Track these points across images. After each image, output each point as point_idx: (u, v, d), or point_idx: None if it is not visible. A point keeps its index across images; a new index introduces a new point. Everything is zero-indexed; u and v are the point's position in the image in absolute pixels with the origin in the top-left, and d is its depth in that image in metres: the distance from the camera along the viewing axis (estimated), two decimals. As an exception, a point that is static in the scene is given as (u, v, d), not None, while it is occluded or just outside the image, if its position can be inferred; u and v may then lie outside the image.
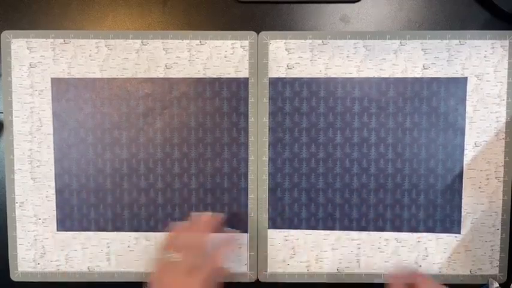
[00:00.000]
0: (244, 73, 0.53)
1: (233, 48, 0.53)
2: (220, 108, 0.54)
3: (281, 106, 0.53)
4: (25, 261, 0.55)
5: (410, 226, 0.54)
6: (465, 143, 0.53)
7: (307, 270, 0.55)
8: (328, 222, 0.54)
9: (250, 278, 0.55)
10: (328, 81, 0.53)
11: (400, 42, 0.53)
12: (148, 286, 0.45)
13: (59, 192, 0.55)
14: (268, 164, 0.54)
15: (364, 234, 0.54)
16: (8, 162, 0.54)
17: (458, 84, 0.52)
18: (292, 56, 0.53)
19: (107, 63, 0.54)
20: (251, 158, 0.54)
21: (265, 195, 0.54)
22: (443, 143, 0.53)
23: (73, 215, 0.55)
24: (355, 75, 0.53)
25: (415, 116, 0.53)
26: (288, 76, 0.53)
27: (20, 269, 0.55)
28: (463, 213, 0.53)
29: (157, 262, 0.46)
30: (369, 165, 0.53)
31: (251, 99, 0.54)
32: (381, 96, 0.53)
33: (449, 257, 0.54)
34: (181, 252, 0.46)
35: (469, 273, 0.54)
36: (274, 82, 0.53)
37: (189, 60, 0.53)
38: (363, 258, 0.54)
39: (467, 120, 0.53)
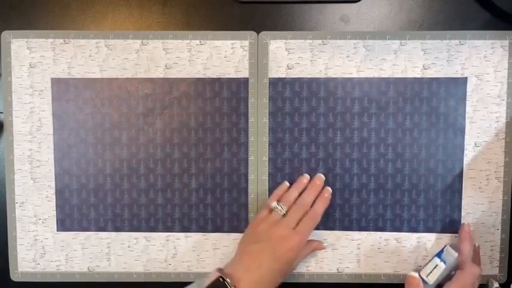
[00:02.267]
0: (244, 73, 0.53)
1: (233, 48, 0.53)
2: (220, 108, 0.54)
3: (281, 106, 0.53)
4: (25, 262, 0.55)
5: (410, 226, 0.54)
6: (465, 143, 0.53)
7: (307, 270, 0.55)
8: (328, 222, 0.54)
9: (250, 278, 0.55)
10: (328, 82, 0.53)
11: (400, 43, 0.53)
12: (247, 229, 0.50)
13: (59, 192, 0.55)
14: (268, 164, 0.54)
15: (364, 234, 0.54)
16: (8, 162, 0.54)
17: (458, 84, 0.52)
18: (292, 56, 0.53)
19: (107, 63, 0.54)
20: (251, 158, 0.54)
21: (265, 195, 0.54)
22: (443, 143, 0.53)
23: (73, 215, 0.55)
24: (355, 75, 0.53)
25: (415, 116, 0.53)
26: (288, 76, 0.53)
27: (20, 269, 0.55)
28: (463, 213, 0.53)
29: (264, 209, 0.51)
30: (369, 165, 0.53)
31: (251, 100, 0.54)
32: (381, 97, 0.53)
33: (449, 257, 0.54)
34: (286, 206, 0.50)
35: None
36: (274, 82, 0.53)
37: (189, 61, 0.53)
38: (362, 258, 0.54)
39: (467, 121, 0.53)
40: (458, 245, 0.50)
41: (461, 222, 0.53)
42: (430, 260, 0.50)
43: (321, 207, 0.51)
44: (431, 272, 0.49)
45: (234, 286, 0.45)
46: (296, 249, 0.48)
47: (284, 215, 0.49)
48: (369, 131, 0.53)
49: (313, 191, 0.51)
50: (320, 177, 0.53)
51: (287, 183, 0.53)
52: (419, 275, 0.48)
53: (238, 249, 0.50)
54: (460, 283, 0.47)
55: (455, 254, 0.49)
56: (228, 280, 0.45)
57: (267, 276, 0.46)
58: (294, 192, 0.51)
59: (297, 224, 0.49)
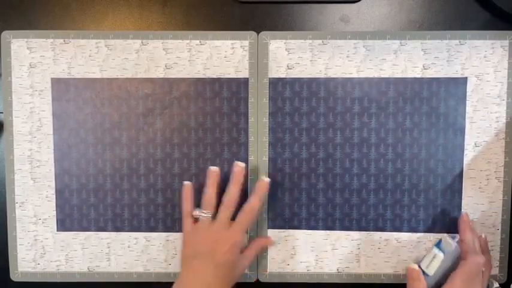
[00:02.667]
0: (244, 73, 0.53)
1: (233, 48, 0.53)
2: (220, 108, 0.54)
3: (281, 106, 0.53)
4: (25, 262, 0.55)
5: (410, 226, 0.54)
6: (465, 143, 0.53)
7: (307, 270, 0.55)
8: (328, 222, 0.54)
9: (250, 278, 0.55)
10: (328, 82, 0.53)
11: (400, 43, 0.53)
12: (182, 245, 0.48)
13: (59, 192, 0.55)
14: (268, 164, 0.54)
15: (364, 234, 0.54)
16: (8, 162, 0.54)
17: (458, 84, 0.52)
18: (292, 56, 0.53)
19: (107, 63, 0.54)
20: (251, 158, 0.54)
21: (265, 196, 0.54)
22: (443, 143, 0.53)
23: (73, 215, 0.55)
24: (355, 75, 0.53)
25: (415, 116, 0.53)
26: (288, 76, 0.53)
27: (20, 269, 0.55)
28: (463, 213, 0.53)
29: (186, 220, 0.49)
30: (369, 165, 0.53)
31: (251, 100, 0.54)
32: (381, 97, 0.53)
33: (449, 257, 0.54)
34: (209, 209, 0.48)
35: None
36: (274, 82, 0.53)
37: (189, 61, 0.53)
38: (362, 258, 0.54)
39: (467, 121, 0.53)
40: (459, 235, 0.50)
41: (461, 212, 0.53)
42: (428, 252, 0.50)
43: (256, 199, 0.49)
44: (430, 262, 0.49)
45: None
46: (233, 249, 0.46)
47: (213, 218, 0.47)
48: (369, 131, 0.53)
49: (235, 181, 0.49)
50: (238, 165, 0.50)
51: (189, 184, 0.51)
52: (419, 267, 0.48)
53: (181, 267, 0.48)
54: (463, 273, 0.46)
55: (454, 243, 0.49)
56: None
57: (215, 285, 0.45)
58: (210, 191, 0.49)
59: (229, 221, 0.47)
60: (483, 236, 0.52)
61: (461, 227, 0.50)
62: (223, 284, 0.46)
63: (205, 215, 0.48)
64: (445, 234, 0.51)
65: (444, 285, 0.47)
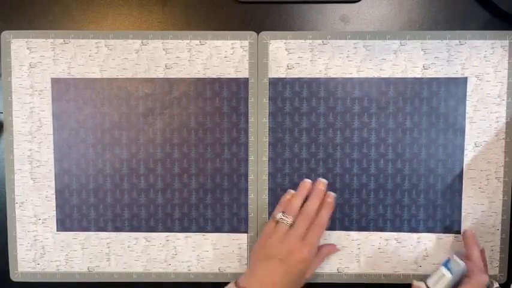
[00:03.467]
0: (244, 73, 0.53)
1: (233, 48, 0.53)
2: (220, 108, 0.54)
3: (281, 106, 0.53)
4: (25, 262, 0.55)
5: (410, 226, 0.54)
6: (465, 143, 0.53)
7: (307, 270, 0.55)
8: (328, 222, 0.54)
9: (250, 278, 0.55)
10: (328, 82, 0.53)
11: (400, 42, 0.53)
12: (258, 243, 0.50)
13: (58, 192, 0.55)
14: (268, 164, 0.54)
15: (364, 234, 0.54)
16: (8, 162, 0.54)
17: (458, 84, 0.52)
18: (292, 56, 0.53)
19: (107, 63, 0.54)
20: (251, 158, 0.54)
21: (265, 196, 0.54)
22: (443, 143, 0.53)
23: (73, 215, 0.55)
24: (355, 75, 0.53)
25: (415, 116, 0.53)
26: (288, 76, 0.53)
27: (19, 269, 0.55)
28: (463, 213, 0.53)
29: (271, 222, 0.50)
30: (369, 165, 0.53)
31: (251, 100, 0.54)
32: (381, 97, 0.53)
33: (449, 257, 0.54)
34: (293, 217, 0.49)
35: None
36: (274, 82, 0.53)
37: (189, 61, 0.53)
38: (362, 258, 0.54)
39: (467, 121, 0.53)
40: (465, 252, 0.50)
41: (462, 229, 0.53)
42: (436, 270, 0.49)
43: (326, 214, 0.50)
44: (437, 282, 0.48)
45: None
46: (307, 261, 0.48)
47: (291, 225, 0.49)
48: (369, 131, 0.53)
49: (317, 197, 0.51)
50: (322, 182, 0.52)
51: (292, 192, 0.52)
52: (426, 285, 0.48)
53: (251, 263, 0.50)
54: None
55: (462, 264, 0.48)
56: None
57: None
58: (297, 200, 0.51)
59: (305, 233, 0.48)
60: (481, 247, 0.52)
61: (468, 242, 0.51)
62: None
63: (287, 221, 0.49)
64: (454, 255, 0.49)
65: None
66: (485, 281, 0.47)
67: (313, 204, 0.50)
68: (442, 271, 0.48)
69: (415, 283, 0.48)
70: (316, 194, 0.51)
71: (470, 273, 0.47)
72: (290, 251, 0.47)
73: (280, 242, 0.48)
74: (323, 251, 0.53)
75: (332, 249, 0.54)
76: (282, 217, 0.49)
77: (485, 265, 0.51)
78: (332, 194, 0.52)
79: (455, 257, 0.49)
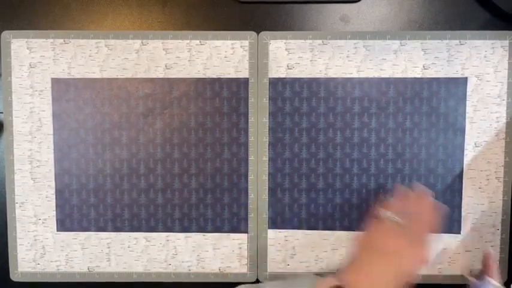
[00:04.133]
0: (244, 73, 0.53)
1: (233, 48, 0.53)
2: (220, 108, 0.54)
3: (281, 106, 0.53)
4: (25, 262, 0.55)
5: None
6: (465, 143, 0.53)
7: (307, 270, 0.55)
8: (328, 222, 0.54)
9: (250, 278, 0.55)
10: (328, 82, 0.53)
11: (400, 43, 0.53)
12: (358, 240, 0.46)
13: (59, 192, 0.55)
14: (268, 164, 0.54)
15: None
16: (8, 162, 0.54)
17: (458, 85, 0.52)
18: (292, 56, 0.53)
19: (107, 63, 0.54)
20: (251, 158, 0.54)
21: (265, 196, 0.54)
22: (444, 143, 0.53)
23: (73, 215, 0.55)
24: (355, 75, 0.53)
25: (415, 116, 0.53)
26: (288, 76, 0.53)
27: (20, 269, 0.55)
28: (463, 213, 0.53)
29: (376, 220, 0.47)
30: (369, 165, 0.53)
31: (251, 100, 0.54)
32: (381, 97, 0.53)
33: (449, 257, 0.54)
34: (404, 217, 0.46)
35: (469, 273, 0.54)
36: (274, 82, 0.53)
37: (189, 61, 0.53)
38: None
39: (467, 121, 0.53)
40: (488, 274, 0.49)
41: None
42: None
43: (435, 218, 0.48)
44: None
45: None
46: (417, 266, 0.45)
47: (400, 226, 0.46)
48: (369, 131, 0.53)
49: (422, 202, 0.49)
50: (421, 188, 0.51)
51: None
52: None
53: (357, 256, 0.46)
54: None
55: (497, 284, 0.48)
56: None
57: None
58: (400, 204, 0.48)
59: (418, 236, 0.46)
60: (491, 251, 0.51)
61: (491, 266, 0.50)
62: None
63: (398, 220, 0.46)
64: (487, 278, 0.49)
65: None
66: None
67: (421, 208, 0.48)
68: None
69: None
70: (419, 198, 0.49)
71: None
72: (405, 249, 0.44)
73: (394, 239, 0.45)
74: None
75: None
76: (394, 216, 0.46)
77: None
78: (433, 198, 0.50)
79: (492, 281, 0.48)
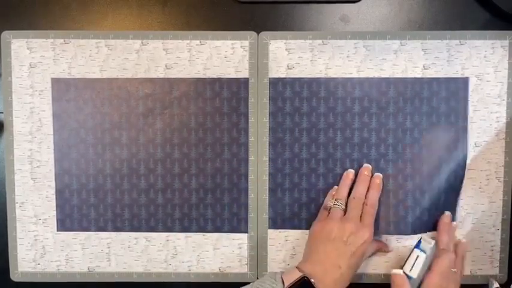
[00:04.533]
0: (244, 73, 0.53)
1: (233, 48, 0.53)
2: (221, 108, 0.54)
3: (281, 106, 0.53)
4: (25, 262, 0.55)
5: (412, 227, 0.53)
6: (465, 143, 0.53)
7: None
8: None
9: (250, 278, 0.55)
10: (328, 82, 0.53)
11: (400, 42, 0.53)
12: (313, 229, 0.51)
13: (59, 192, 0.55)
14: (269, 164, 0.54)
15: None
16: (8, 162, 0.54)
17: (458, 84, 0.52)
18: (292, 56, 0.53)
19: (107, 63, 0.54)
20: (251, 158, 0.54)
21: (265, 196, 0.54)
22: (444, 143, 0.53)
23: (73, 215, 0.55)
24: (355, 75, 0.53)
25: (415, 116, 0.53)
26: (288, 76, 0.53)
27: (20, 269, 0.55)
28: (463, 213, 0.53)
29: (324, 212, 0.52)
30: (369, 165, 0.53)
31: (251, 100, 0.54)
32: (381, 97, 0.53)
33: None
34: (343, 203, 0.51)
35: (469, 273, 0.54)
36: (274, 82, 0.53)
37: (189, 61, 0.53)
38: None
39: (467, 121, 0.53)
40: (436, 236, 0.51)
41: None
42: (409, 254, 0.50)
43: (374, 194, 0.51)
44: (413, 265, 0.48)
45: (319, 283, 0.46)
46: (368, 241, 0.49)
47: (344, 211, 0.50)
48: (369, 131, 0.53)
49: (363, 182, 0.52)
50: (366, 168, 0.53)
51: (336, 187, 0.53)
52: (403, 272, 0.48)
53: (310, 249, 0.50)
54: (437, 269, 0.47)
55: (432, 241, 0.49)
56: (313, 280, 0.46)
57: (346, 275, 0.47)
58: (344, 188, 0.52)
59: (359, 216, 0.50)
60: (463, 241, 0.52)
61: (440, 228, 0.52)
62: (350, 273, 0.48)
63: (341, 207, 0.50)
64: (423, 234, 0.51)
65: (423, 283, 0.47)
66: (453, 258, 0.49)
67: (360, 189, 0.51)
68: (417, 253, 0.49)
69: (394, 272, 0.48)
70: (362, 179, 0.52)
71: (438, 253, 0.49)
72: (352, 232, 0.48)
73: (340, 225, 0.49)
74: (377, 243, 0.53)
75: (385, 247, 0.54)
76: (336, 203, 0.51)
77: (461, 256, 0.51)
78: (379, 175, 0.53)
79: (425, 237, 0.50)
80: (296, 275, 0.46)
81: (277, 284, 0.46)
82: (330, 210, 0.51)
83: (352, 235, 0.48)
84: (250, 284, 0.47)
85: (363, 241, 0.48)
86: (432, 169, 0.53)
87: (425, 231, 0.53)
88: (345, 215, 0.50)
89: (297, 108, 0.53)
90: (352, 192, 0.52)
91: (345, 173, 0.53)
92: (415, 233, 0.53)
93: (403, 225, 0.53)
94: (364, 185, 0.52)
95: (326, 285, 0.46)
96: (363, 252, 0.49)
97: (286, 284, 0.46)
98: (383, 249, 0.54)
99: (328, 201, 0.52)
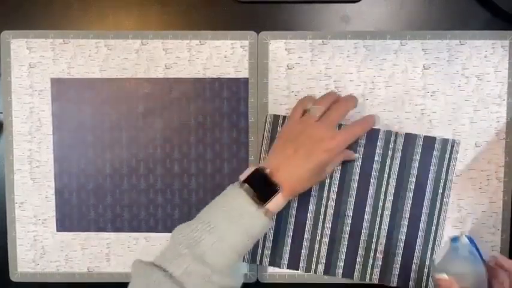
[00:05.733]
0: (244, 73, 0.53)
1: (233, 48, 0.53)
2: (220, 108, 0.54)
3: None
4: (25, 262, 0.55)
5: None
6: (465, 143, 0.53)
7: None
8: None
9: (250, 278, 0.55)
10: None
11: (400, 42, 0.53)
12: (284, 128, 0.49)
13: (58, 192, 0.54)
14: (268, 164, 0.54)
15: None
16: (7, 162, 0.54)
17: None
18: (292, 56, 0.53)
19: (107, 63, 0.54)
20: (251, 158, 0.54)
21: (265, 196, 0.54)
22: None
23: (73, 215, 0.55)
24: (355, 75, 0.53)
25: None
26: (287, 76, 0.53)
27: (19, 269, 0.55)
28: (463, 213, 0.53)
29: (298, 110, 0.49)
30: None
31: (251, 100, 0.54)
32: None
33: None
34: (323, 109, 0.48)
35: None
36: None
37: (189, 60, 0.53)
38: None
39: (467, 121, 0.53)
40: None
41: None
42: (444, 250, 0.48)
43: (360, 125, 0.49)
44: (448, 260, 0.47)
45: (273, 176, 0.45)
46: (332, 152, 0.46)
47: (319, 117, 0.47)
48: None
49: (348, 101, 0.49)
50: (351, 96, 0.50)
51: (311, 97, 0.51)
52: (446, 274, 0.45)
53: (273, 148, 0.48)
54: None
55: (466, 241, 0.47)
56: (268, 170, 0.45)
57: (304, 175, 0.46)
58: (327, 97, 0.49)
59: (335, 125, 0.48)
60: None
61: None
62: (310, 180, 0.47)
63: (318, 109, 0.48)
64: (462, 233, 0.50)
65: None
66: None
67: (343, 103, 0.49)
68: (452, 246, 0.47)
69: (438, 276, 0.44)
70: (346, 98, 0.50)
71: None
72: (319, 137, 0.46)
73: (309, 128, 0.47)
74: (347, 151, 0.51)
75: (352, 155, 0.52)
76: (314, 106, 0.48)
77: None
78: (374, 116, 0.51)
79: (464, 236, 0.48)
80: (251, 169, 0.45)
81: (234, 184, 0.46)
82: (304, 113, 0.49)
83: (317, 140, 0.46)
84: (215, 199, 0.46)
85: (325, 149, 0.46)
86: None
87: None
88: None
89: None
90: (335, 103, 0.49)
91: (328, 92, 0.51)
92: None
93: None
94: (347, 103, 0.49)
95: (282, 177, 0.45)
96: (323, 161, 0.46)
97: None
98: (350, 157, 0.52)
99: (306, 103, 0.49)
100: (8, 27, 0.54)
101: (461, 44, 0.52)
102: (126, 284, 0.49)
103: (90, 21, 0.54)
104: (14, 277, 0.55)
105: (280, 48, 0.53)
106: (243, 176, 0.46)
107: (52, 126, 0.54)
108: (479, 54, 0.52)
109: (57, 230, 0.55)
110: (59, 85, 0.54)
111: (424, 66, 0.53)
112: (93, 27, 0.54)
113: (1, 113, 0.54)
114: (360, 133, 0.50)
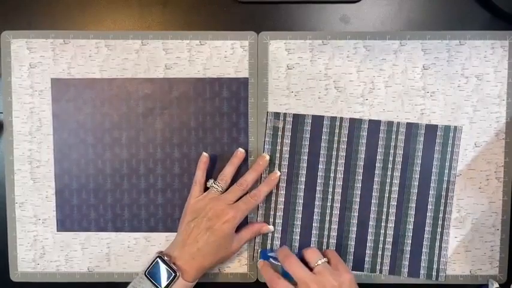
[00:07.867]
0: (244, 73, 0.53)
1: (233, 48, 0.53)
2: (220, 108, 0.54)
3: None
4: (25, 262, 0.55)
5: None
6: (465, 143, 0.53)
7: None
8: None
9: (250, 278, 0.55)
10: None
11: (400, 43, 0.53)
12: (185, 210, 0.51)
13: (58, 192, 0.54)
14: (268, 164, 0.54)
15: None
16: (7, 162, 0.54)
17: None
18: (292, 56, 0.53)
19: (107, 63, 0.54)
20: (251, 158, 0.54)
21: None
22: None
23: (73, 215, 0.55)
24: (355, 75, 0.53)
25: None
26: (287, 76, 0.53)
27: (19, 269, 0.55)
28: (463, 213, 0.53)
29: (196, 188, 0.51)
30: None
31: (251, 100, 0.54)
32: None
33: (449, 257, 0.54)
34: (223, 184, 0.51)
35: (469, 273, 0.54)
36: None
37: (189, 61, 0.53)
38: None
39: (467, 121, 0.53)
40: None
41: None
42: None
43: (265, 190, 0.51)
44: None
45: (174, 263, 0.47)
46: (231, 222, 0.48)
47: (222, 193, 0.50)
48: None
49: (256, 171, 0.52)
50: (263, 158, 0.52)
51: (206, 155, 0.52)
52: None
53: (178, 231, 0.51)
54: None
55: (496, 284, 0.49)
56: (167, 258, 0.47)
57: (204, 250, 0.48)
58: (230, 168, 0.51)
59: (235, 201, 0.50)
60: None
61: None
62: (212, 252, 0.48)
63: (218, 188, 0.50)
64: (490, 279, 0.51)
65: None
66: None
67: (250, 176, 0.51)
68: None
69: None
70: (255, 168, 0.52)
71: None
72: (217, 211, 0.48)
73: (208, 204, 0.49)
74: (255, 226, 0.53)
75: (264, 228, 0.53)
76: (213, 184, 0.51)
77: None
78: (276, 173, 0.52)
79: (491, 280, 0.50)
80: (154, 257, 0.48)
81: (141, 276, 0.48)
82: (206, 189, 0.51)
83: (216, 214, 0.48)
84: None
85: (224, 220, 0.48)
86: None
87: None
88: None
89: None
90: (240, 178, 0.51)
91: (236, 151, 0.52)
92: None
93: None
94: (255, 174, 0.51)
95: (183, 260, 0.47)
96: (225, 233, 0.48)
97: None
98: (263, 230, 0.53)
99: (208, 180, 0.51)
100: (8, 27, 0.54)
101: (461, 44, 0.52)
102: (126, 284, 0.49)
103: (90, 22, 0.54)
104: (14, 277, 0.55)
105: (280, 48, 0.53)
106: (147, 266, 0.48)
107: (52, 127, 0.54)
108: (479, 55, 0.52)
109: (58, 230, 0.55)
110: (59, 85, 0.54)
111: (423, 67, 0.53)
112: (94, 27, 0.54)
113: (1, 113, 0.54)
114: (263, 197, 0.51)
